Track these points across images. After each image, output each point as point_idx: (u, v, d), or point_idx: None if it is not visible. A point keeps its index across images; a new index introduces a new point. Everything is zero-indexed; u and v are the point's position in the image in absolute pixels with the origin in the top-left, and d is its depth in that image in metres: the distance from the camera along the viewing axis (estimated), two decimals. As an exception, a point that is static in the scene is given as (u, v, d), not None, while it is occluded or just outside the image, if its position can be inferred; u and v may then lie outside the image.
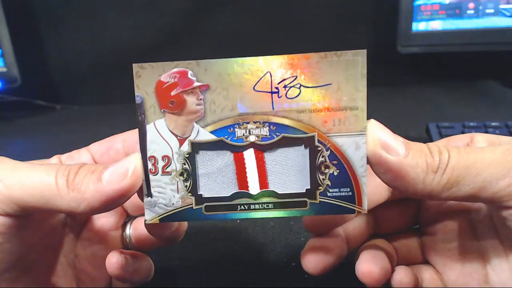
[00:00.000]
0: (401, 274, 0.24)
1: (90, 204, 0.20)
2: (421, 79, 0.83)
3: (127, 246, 0.29)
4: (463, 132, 0.50)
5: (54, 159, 0.26)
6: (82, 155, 0.26)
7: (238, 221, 0.38)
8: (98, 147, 0.27)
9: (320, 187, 0.21)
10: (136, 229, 0.28)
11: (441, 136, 0.50)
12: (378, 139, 0.20)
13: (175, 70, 0.20)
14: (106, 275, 0.28)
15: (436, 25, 0.72)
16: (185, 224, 0.26)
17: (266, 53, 0.20)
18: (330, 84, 0.20)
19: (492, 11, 0.68)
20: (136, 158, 0.21)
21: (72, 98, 0.97)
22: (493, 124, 0.50)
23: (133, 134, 0.26)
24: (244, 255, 0.34)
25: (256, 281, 0.31)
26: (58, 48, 0.94)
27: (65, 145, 0.65)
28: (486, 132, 0.49)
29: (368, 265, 0.23)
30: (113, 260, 0.26)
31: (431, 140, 0.50)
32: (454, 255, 0.24)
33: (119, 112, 0.86)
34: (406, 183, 0.20)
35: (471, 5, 0.69)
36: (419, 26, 0.73)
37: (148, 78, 0.21)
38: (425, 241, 0.26)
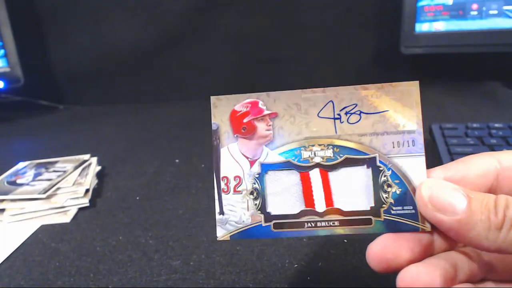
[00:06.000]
0: None
1: None
2: (424, 80, 0.83)
3: None
4: (466, 134, 0.50)
5: None
6: None
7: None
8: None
9: (383, 205, 0.22)
10: None
11: (444, 137, 0.50)
12: (430, 201, 0.20)
13: (247, 100, 0.23)
14: None
15: (440, 26, 0.72)
16: None
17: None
18: (388, 110, 0.22)
19: (495, 12, 0.68)
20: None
21: (75, 98, 0.98)
22: (497, 125, 0.50)
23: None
24: (246, 256, 0.34)
25: (257, 282, 0.31)
26: (61, 49, 0.95)
27: (68, 145, 0.66)
28: (489, 133, 0.49)
29: (410, 274, 0.20)
30: None
31: (433, 141, 0.50)
32: None
33: (122, 112, 0.87)
34: (469, 240, 0.19)
35: (475, 6, 0.69)
36: (422, 27, 0.73)
37: (223, 108, 0.23)
38: None
